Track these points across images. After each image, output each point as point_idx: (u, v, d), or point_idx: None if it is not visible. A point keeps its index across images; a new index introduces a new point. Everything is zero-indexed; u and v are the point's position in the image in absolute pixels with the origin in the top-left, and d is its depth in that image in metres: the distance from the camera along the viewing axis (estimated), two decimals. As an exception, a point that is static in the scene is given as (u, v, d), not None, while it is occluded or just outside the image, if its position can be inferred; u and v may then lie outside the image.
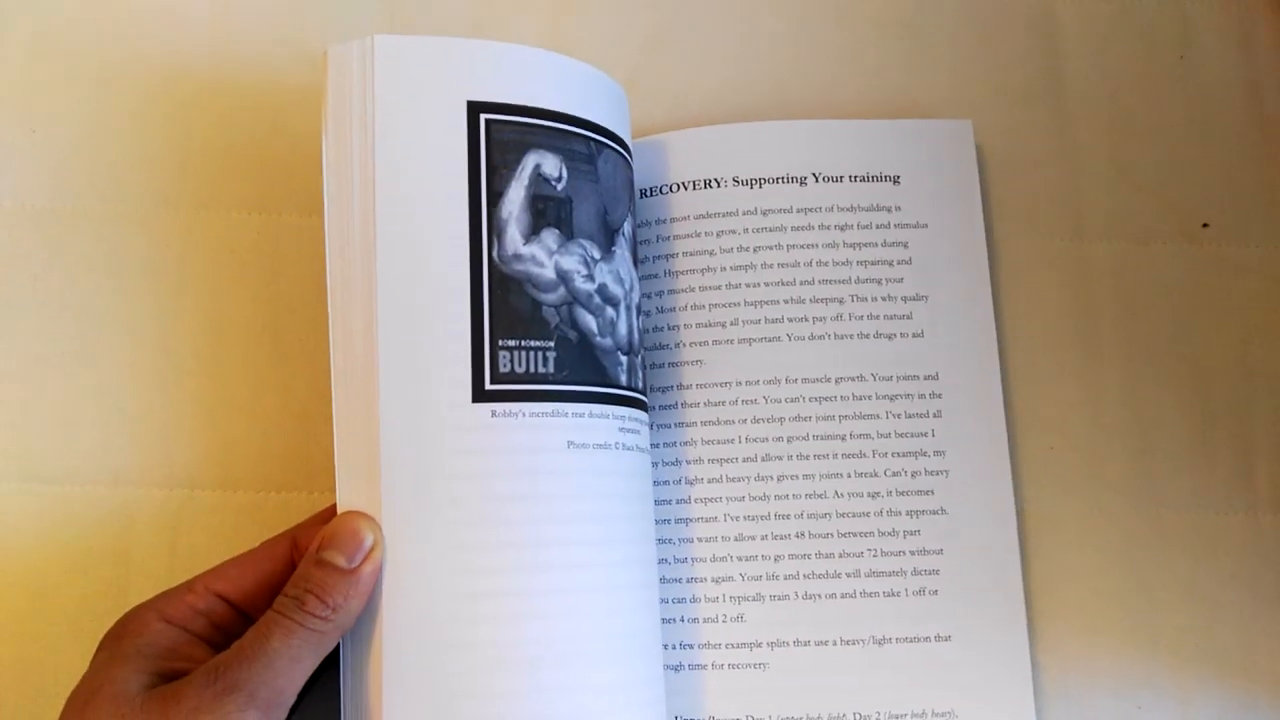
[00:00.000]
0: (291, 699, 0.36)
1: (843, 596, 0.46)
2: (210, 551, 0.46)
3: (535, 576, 0.39)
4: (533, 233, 0.41)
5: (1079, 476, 0.49)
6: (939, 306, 0.49)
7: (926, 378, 0.48)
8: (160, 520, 0.47)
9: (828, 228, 0.49)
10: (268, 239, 0.50)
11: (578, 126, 0.42)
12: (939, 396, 0.48)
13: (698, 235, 0.49)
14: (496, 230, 0.40)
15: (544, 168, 0.41)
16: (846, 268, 0.49)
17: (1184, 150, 0.53)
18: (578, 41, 0.53)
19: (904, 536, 0.46)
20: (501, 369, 0.40)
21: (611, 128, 0.44)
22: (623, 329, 0.43)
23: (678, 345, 0.48)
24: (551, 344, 0.40)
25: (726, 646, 0.45)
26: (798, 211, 0.49)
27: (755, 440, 0.47)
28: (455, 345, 0.39)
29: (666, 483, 0.47)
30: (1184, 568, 0.48)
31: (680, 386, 0.48)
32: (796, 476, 0.47)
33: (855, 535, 0.46)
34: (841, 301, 0.48)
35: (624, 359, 0.43)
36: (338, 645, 0.38)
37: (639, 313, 0.45)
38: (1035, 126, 0.53)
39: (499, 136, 0.41)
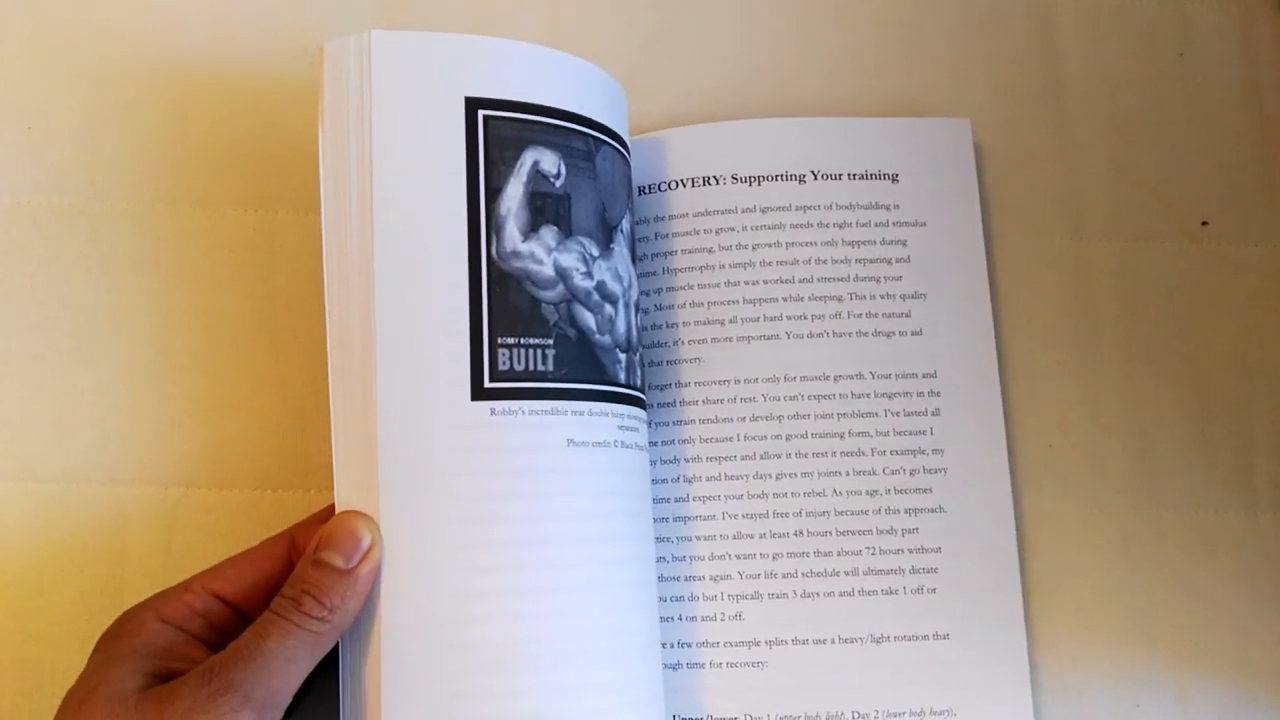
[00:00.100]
0: (287, 700, 0.36)
1: (841, 595, 0.46)
2: (206, 550, 0.46)
3: (535, 575, 0.39)
4: (531, 230, 0.41)
5: (1078, 475, 0.49)
6: (938, 305, 0.49)
7: (925, 376, 0.48)
8: (156, 518, 0.47)
9: (826, 225, 0.49)
10: (264, 236, 0.50)
11: (576, 123, 0.42)
12: (937, 395, 0.48)
13: (696, 233, 0.49)
14: (495, 227, 0.40)
15: (542, 164, 0.41)
16: (845, 265, 0.49)
17: (1183, 149, 0.53)
18: (576, 38, 0.53)
19: (902, 535, 0.46)
20: (501, 367, 0.39)
21: (610, 125, 0.44)
22: (621, 327, 0.43)
23: (676, 343, 0.48)
24: (550, 342, 0.40)
25: (725, 645, 0.45)
26: (796, 209, 0.49)
27: (754, 438, 0.47)
28: (454, 343, 0.39)
29: (665, 481, 0.47)
30: (1182, 566, 0.48)
31: (679, 384, 0.48)
32: (795, 475, 0.47)
33: (854, 533, 0.46)
34: (840, 299, 0.48)
35: (623, 357, 0.43)
36: (337, 645, 0.38)
37: (637, 310, 0.45)
38: (1034, 125, 0.53)
39: (497, 133, 0.41)
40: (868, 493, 0.47)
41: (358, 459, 0.39)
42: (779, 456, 0.47)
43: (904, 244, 0.49)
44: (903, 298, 0.49)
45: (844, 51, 0.54)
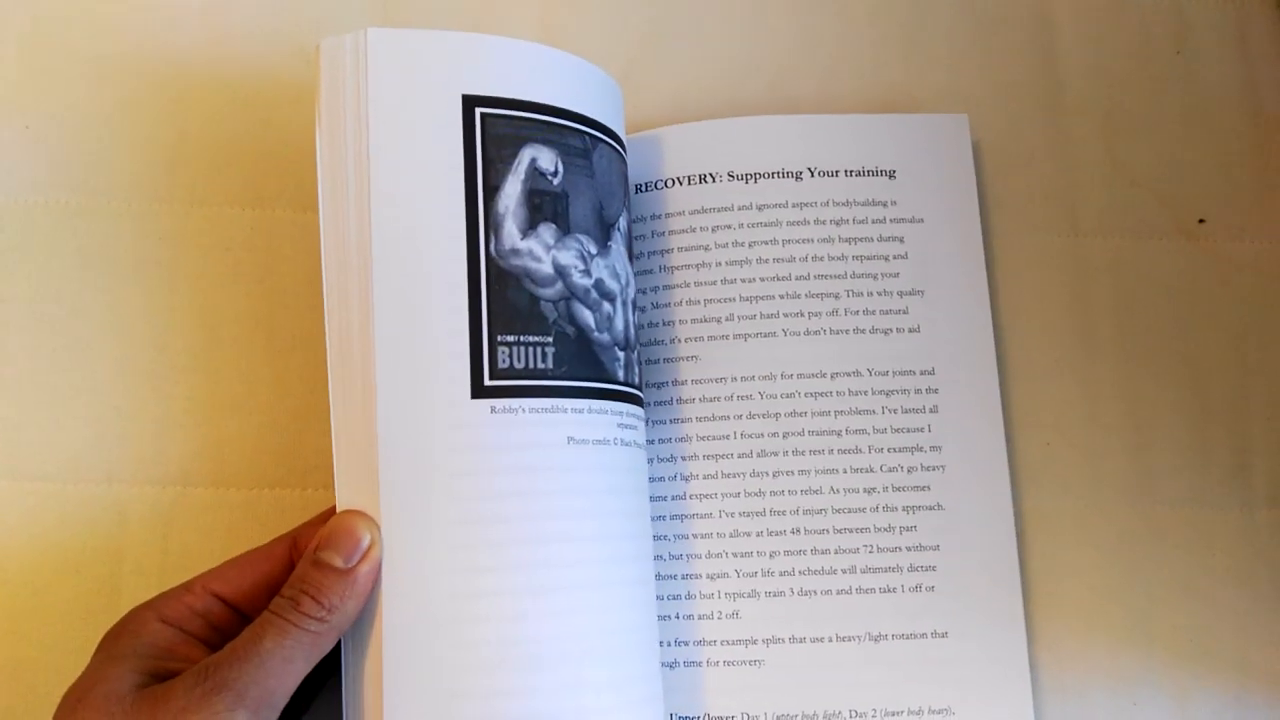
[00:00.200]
0: (283, 700, 0.36)
1: (839, 593, 0.46)
2: (203, 549, 0.46)
3: (535, 574, 0.39)
4: (530, 227, 0.41)
5: (1075, 473, 0.49)
6: (935, 301, 0.49)
7: (923, 373, 0.48)
8: (153, 518, 0.47)
9: (823, 222, 0.49)
10: (261, 235, 0.50)
11: (573, 121, 0.42)
12: (935, 392, 0.48)
13: (693, 230, 0.49)
14: (493, 225, 0.40)
15: (540, 162, 0.41)
16: (842, 262, 0.49)
17: (1180, 146, 0.53)
18: (572, 36, 0.53)
19: (900, 532, 0.46)
20: (500, 365, 0.39)
21: (606, 122, 0.44)
22: (619, 324, 0.43)
23: (673, 341, 0.48)
24: (550, 339, 0.40)
25: (722, 643, 0.45)
26: (793, 206, 0.49)
27: (751, 436, 0.47)
28: (453, 341, 0.39)
29: (661, 479, 0.47)
30: (1180, 564, 0.48)
31: (675, 382, 0.48)
32: (792, 473, 0.47)
33: (851, 531, 0.46)
34: (837, 296, 0.48)
35: (621, 355, 0.43)
36: (339, 646, 0.38)
37: (635, 309, 0.45)
38: (1031, 122, 0.53)
39: (494, 131, 0.40)
40: (865, 490, 0.47)
41: (358, 458, 0.38)
42: (776, 455, 0.47)
43: (901, 240, 0.49)
44: (900, 294, 0.49)
45: (841, 49, 0.54)
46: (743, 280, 0.48)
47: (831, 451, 0.47)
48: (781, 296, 0.48)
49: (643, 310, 0.48)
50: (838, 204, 0.49)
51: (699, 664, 0.45)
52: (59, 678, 0.44)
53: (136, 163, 0.50)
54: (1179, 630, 0.47)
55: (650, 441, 0.47)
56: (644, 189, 0.50)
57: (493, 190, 0.40)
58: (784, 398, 0.47)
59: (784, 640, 0.45)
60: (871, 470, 0.47)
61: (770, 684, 0.45)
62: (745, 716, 0.45)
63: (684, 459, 0.47)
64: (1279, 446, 0.49)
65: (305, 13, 0.52)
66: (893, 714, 0.45)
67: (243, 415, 0.48)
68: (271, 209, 0.50)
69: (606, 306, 0.42)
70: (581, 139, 0.42)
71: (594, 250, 0.42)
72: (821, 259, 0.49)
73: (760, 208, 0.49)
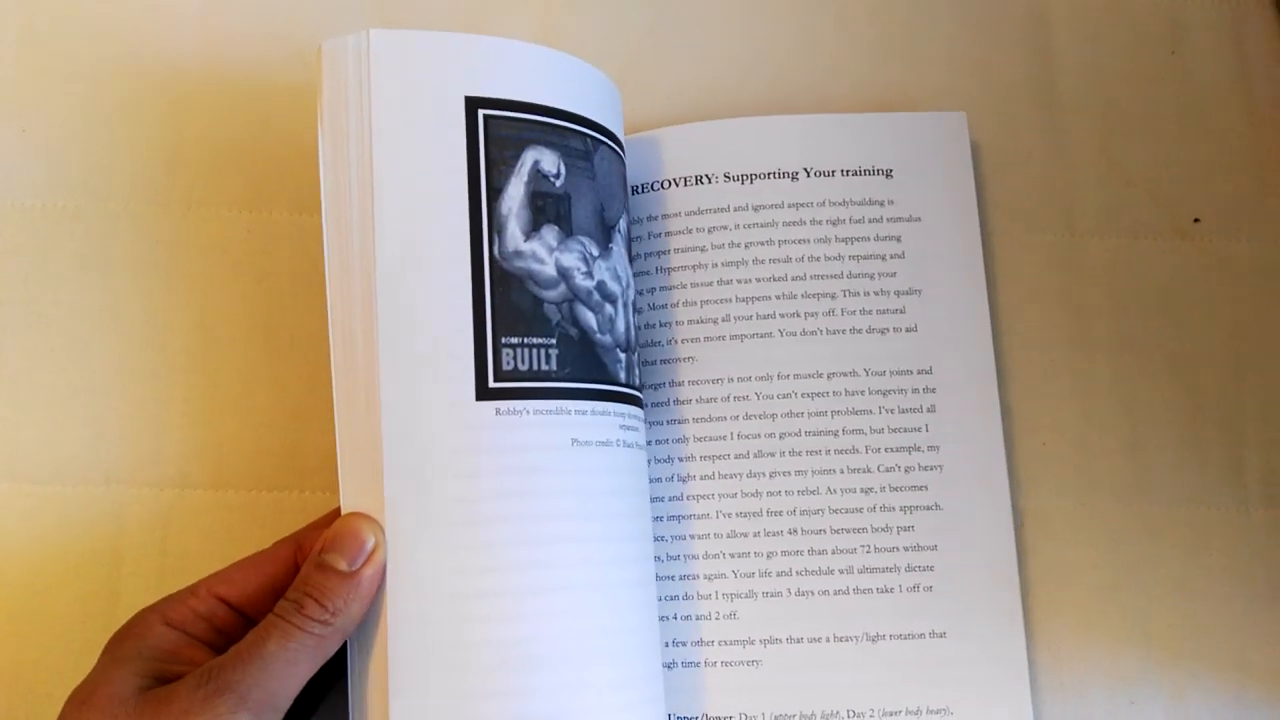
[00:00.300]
0: (286, 703, 0.36)
1: (836, 593, 0.46)
2: (202, 551, 0.46)
3: (539, 575, 0.39)
4: (533, 229, 0.41)
5: (1072, 472, 0.49)
6: (932, 301, 0.49)
7: (920, 372, 0.48)
8: (151, 519, 0.47)
9: (820, 222, 0.49)
10: (259, 237, 0.50)
11: (574, 123, 0.42)
12: (932, 391, 0.48)
13: (690, 231, 0.49)
14: (497, 227, 0.40)
15: (543, 164, 0.41)
16: (839, 262, 0.49)
17: (1175, 146, 0.53)
18: (570, 37, 0.53)
19: (897, 532, 0.46)
20: (505, 367, 0.39)
21: (606, 124, 0.44)
22: (621, 326, 0.43)
23: (670, 342, 0.48)
24: (553, 341, 0.40)
25: (720, 644, 0.45)
26: (790, 206, 0.49)
27: (748, 436, 0.47)
28: (458, 343, 0.39)
29: (659, 480, 0.47)
30: (1176, 562, 0.48)
31: (673, 383, 0.48)
32: (789, 473, 0.47)
33: (848, 531, 0.46)
34: (834, 296, 0.48)
35: (623, 356, 0.43)
36: (346, 648, 0.38)
37: (634, 309, 0.45)
38: (1027, 122, 0.53)
39: (497, 132, 0.40)
40: (863, 490, 0.47)
41: (362, 460, 0.38)
42: (773, 455, 0.47)
43: (898, 240, 0.49)
44: (897, 294, 0.49)
45: (838, 49, 0.54)
46: (739, 281, 0.48)
47: (829, 452, 0.47)
48: (778, 297, 0.48)
49: (640, 311, 0.48)
50: (834, 204, 0.49)
51: (697, 664, 0.45)
52: (58, 679, 0.44)
53: (134, 165, 0.50)
54: (1176, 629, 0.47)
55: (648, 442, 0.47)
56: (641, 190, 0.50)
57: (496, 192, 0.40)
58: (781, 398, 0.47)
59: (782, 640, 0.45)
60: (869, 470, 0.47)
61: (768, 684, 0.45)
62: (743, 717, 0.45)
63: (681, 460, 0.47)
64: (1275, 445, 0.49)
65: (303, 15, 0.53)
66: (891, 714, 0.45)
67: (241, 416, 0.48)
68: (269, 211, 0.50)
69: (608, 308, 0.42)
70: (583, 141, 0.43)
71: (596, 252, 0.42)
72: (818, 259, 0.49)
73: (757, 208, 0.49)
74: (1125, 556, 0.48)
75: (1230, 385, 0.50)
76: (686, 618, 0.46)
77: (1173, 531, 0.48)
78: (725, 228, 0.49)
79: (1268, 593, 0.47)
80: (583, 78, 0.43)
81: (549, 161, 0.41)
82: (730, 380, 0.47)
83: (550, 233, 0.41)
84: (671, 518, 0.46)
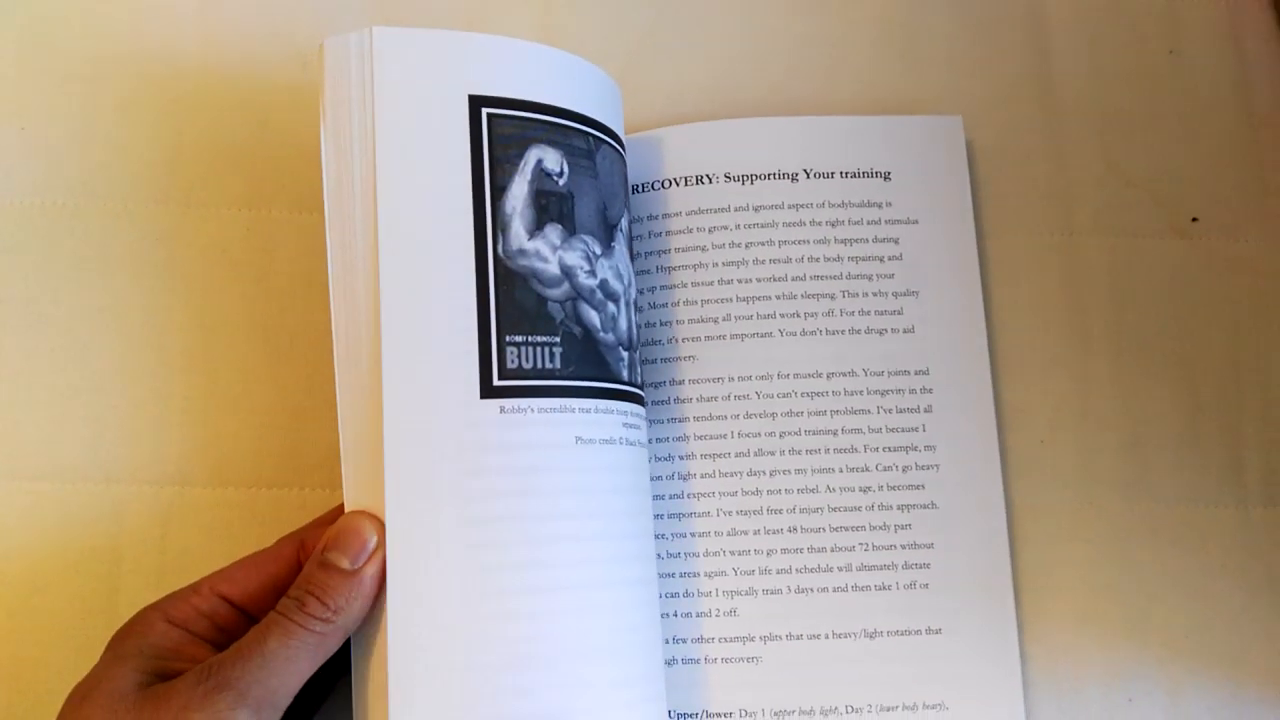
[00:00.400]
0: (286, 701, 0.36)
1: (835, 590, 0.46)
2: (201, 549, 0.46)
3: (542, 573, 0.39)
4: (536, 228, 0.40)
5: (1070, 470, 0.49)
6: (929, 302, 0.49)
7: (917, 373, 0.48)
8: (151, 517, 0.47)
9: (819, 224, 0.49)
10: (258, 235, 0.50)
11: (576, 122, 0.42)
12: (929, 392, 0.48)
13: (690, 231, 0.49)
14: (501, 225, 0.40)
15: (546, 162, 0.41)
16: (838, 263, 0.49)
17: (1174, 146, 0.53)
18: (570, 36, 0.53)
19: (895, 530, 0.47)
20: (509, 365, 0.39)
21: (608, 123, 0.44)
22: (623, 324, 0.43)
23: (671, 340, 0.48)
24: (557, 339, 0.40)
25: (720, 641, 0.46)
26: (789, 207, 0.49)
27: (748, 435, 0.47)
28: (462, 341, 0.39)
29: (660, 478, 0.47)
30: (1174, 561, 0.48)
31: (674, 382, 0.48)
32: (789, 471, 0.47)
33: (847, 529, 0.47)
34: (833, 297, 0.49)
35: (625, 355, 0.43)
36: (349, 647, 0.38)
37: (635, 308, 0.45)
38: (1026, 122, 0.53)
39: (500, 131, 0.40)
40: (861, 489, 0.47)
41: (365, 459, 0.38)
42: (773, 454, 0.47)
43: (896, 242, 0.50)
44: (895, 295, 0.49)
45: (838, 50, 0.54)
46: (740, 281, 0.48)
47: (828, 451, 0.47)
48: (778, 297, 0.48)
49: (641, 310, 0.49)
50: (833, 205, 0.50)
51: (697, 661, 0.45)
52: (58, 676, 0.44)
53: (134, 164, 0.50)
54: (1174, 627, 0.47)
55: (649, 441, 0.47)
56: (642, 189, 0.50)
57: (499, 190, 0.40)
58: (781, 397, 0.47)
59: (781, 637, 0.46)
60: (867, 469, 0.47)
61: (768, 681, 0.45)
62: (743, 713, 0.45)
63: (682, 458, 0.47)
64: (1273, 444, 0.50)
65: (302, 14, 0.53)
66: (888, 709, 0.45)
67: (241, 415, 0.48)
68: (269, 209, 0.50)
69: (611, 307, 0.42)
70: (585, 140, 0.43)
71: (598, 251, 0.42)
72: (817, 260, 0.49)
73: (757, 209, 0.49)
74: (1123, 554, 0.48)
75: (1229, 384, 0.50)
76: (687, 615, 0.46)
77: (1171, 530, 0.48)
78: (726, 228, 0.49)
79: (1266, 591, 0.48)
80: (584, 76, 0.43)
81: (552, 160, 0.41)
82: (731, 379, 0.48)
83: (554, 231, 0.41)
84: (672, 515, 0.47)
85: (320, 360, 0.48)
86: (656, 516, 0.46)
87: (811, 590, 0.46)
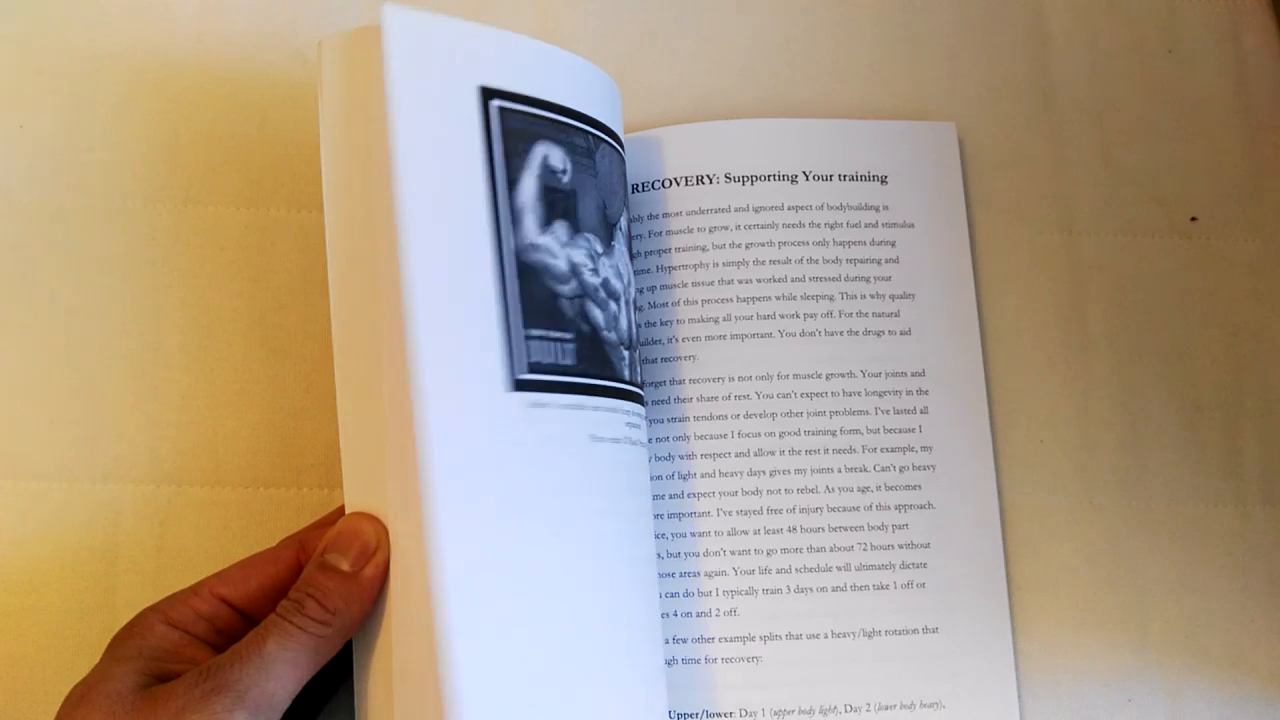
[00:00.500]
0: (285, 703, 0.36)
1: (834, 590, 0.46)
2: (198, 549, 0.46)
3: (544, 573, 0.38)
4: (545, 224, 0.40)
5: (1069, 469, 0.49)
6: (925, 305, 0.49)
7: (913, 374, 0.49)
8: (147, 517, 0.46)
9: (818, 225, 0.49)
10: (256, 234, 0.50)
11: (578, 120, 0.42)
12: (925, 393, 0.48)
13: (690, 231, 0.49)
14: (515, 218, 0.39)
15: (551, 159, 0.41)
16: (836, 265, 0.49)
17: (1172, 145, 0.53)
18: (570, 35, 0.53)
19: (892, 530, 0.47)
20: (532, 359, 0.38)
21: (607, 122, 0.44)
22: (624, 323, 0.43)
23: (671, 340, 0.48)
24: (570, 336, 0.40)
25: (719, 640, 0.46)
26: (789, 209, 0.50)
27: (747, 435, 0.47)
28: (488, 334, 0.37)
29: (659, 477, 0.47)
30: (1173, 560, 0.48)
31: (674, 382, 0.48)
32: (788, 471, 0.47)
33: (845, 529, 0.47)
34: (831, 299, 0.49)
35: (626, 354, 0.43)
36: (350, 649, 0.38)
37: (635, 308, 0.45)
38: (1025, 122, 0.53)
39: (510, 125, 0.39)
40: (859, 489, 0.47)
41: (366, 459, 0.38)
42: (772, 454, 0.47)
43: (893, 245, 0.50)
44: (892, 298, 0.49)
45: (837, 50, 0.54)
46: (740, 281, 0.49)
47: (827, 451, 0.47)
48: (778, 298, 0.48)
49: (641, 310, 0.49)
50: (832, 208, 0.50)
51: (697, 661, 0.45)
52: (54, 676, 0.44)
53: (131, 162, 0.50)
54: (1173, 626, 0.47)
55: (649, 440, 0.47)
56: (642, 189, 0.50)
57: (512, 184, 0.39)
58: (780, 398, 0.48)
59: (781, 637, 0.46)
60: (865, 470, 0.47)
61: (768, 680, 0.45)
62: (743, 712, 0.45)
63: (682, 458, 0.47)
64: (1272, 443, 0.50)
65: (300, 12, 0.52)
66: (886, 708, 0.45)
67: (238, 414, 0.48)
68: (266, 208, 0.50)
69: (613, 305, 0.42)
70: (585, 138, 0.42)
71: (600, 249, 0.42)
72: (816, 261, 0.49)
73: (757, 210, 0.49)
74: (1122, 553, 0.48)
75: (1228, 383, 0.50)
76: (687, 615, 0.46)
77: (1170, 529, 0.49)
78: (726, 228, 0.49)
79: (1266, 590, 0.48)
80: (585, 75, 0.43)
81: (557, 157, 0.41)
82: (730, 380, 0.48)
83: (561, 228, 0.40)
84: (672, 515, 0.47)
85: (319, 359, 0.48)
86: (656, 516, 0.46)
87: (811, 590, 0.46)
